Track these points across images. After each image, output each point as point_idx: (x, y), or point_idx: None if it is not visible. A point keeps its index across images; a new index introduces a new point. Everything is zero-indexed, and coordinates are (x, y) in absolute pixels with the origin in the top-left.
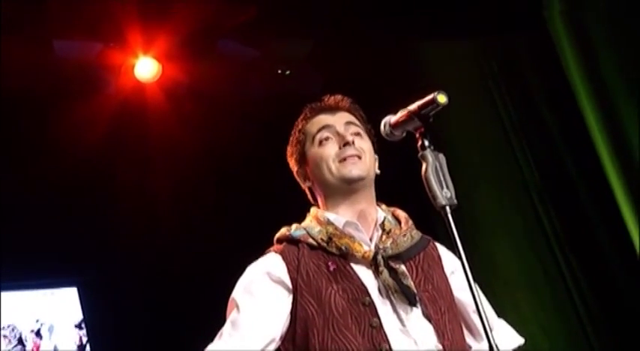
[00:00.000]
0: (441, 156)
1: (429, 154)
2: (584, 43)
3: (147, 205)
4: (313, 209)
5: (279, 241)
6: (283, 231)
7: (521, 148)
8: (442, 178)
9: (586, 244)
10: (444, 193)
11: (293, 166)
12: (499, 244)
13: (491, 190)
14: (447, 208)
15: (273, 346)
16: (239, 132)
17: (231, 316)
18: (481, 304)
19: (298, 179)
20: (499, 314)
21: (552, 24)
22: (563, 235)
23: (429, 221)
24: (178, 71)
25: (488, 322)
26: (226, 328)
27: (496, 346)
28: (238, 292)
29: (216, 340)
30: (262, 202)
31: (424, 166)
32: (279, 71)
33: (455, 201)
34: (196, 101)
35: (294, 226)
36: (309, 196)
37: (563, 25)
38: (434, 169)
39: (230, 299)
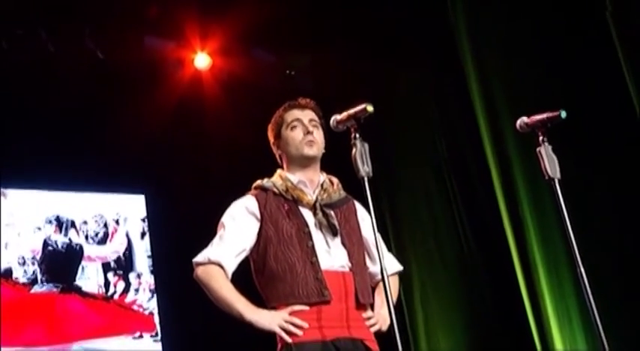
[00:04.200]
0: (366, 144)
1: (358, 142)
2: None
3: (200, 146)
4: (279, 170)
5: (255, 188)
6: (258, 182)
7: (439, 140)
8: (364, 159)
9: (472, 204)
10: (364, 168)
11: (271, 139)
12: (418, 201)
13: (416, 167)
14: (365, 178)
15: (245, 254)
16: (257, 110)
17: (219, 232)
18: (380, 242)
19: (273, 148)
20: (416, 244)
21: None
22: (459, 197)
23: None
24: (226, 64)
25: (380, 253)
26: (215, 240)
27: (384, 266)
28: (225, 218)
29: (208, 247)
30: None
31: (354, 150)
32: (287, 72)
33: (371, 174)
34: (238, 87)
35: (265, 179)
36: (278, 160)
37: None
38: (360, 152)
39: (220, 222)
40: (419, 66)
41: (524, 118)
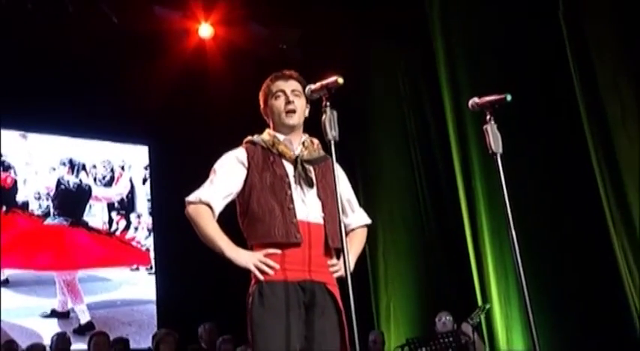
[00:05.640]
0: (335, 112)
1: (328, 109)
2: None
3: (201, 106)
4: (267, 129)
5: (246, 142)
6: (249, 137)
7: (408, 113)
8: (332, 124)
9: (432, 172)
10: (332, 133)
11: (261, 105)
12: (385, 166)
13: (385, 135)
14: (332, 140)
15: (232, 197)
16: (253, 75)
17: (211, 177)
18: (352, 197)
19: (262, 113)
20: (382, 205)
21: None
22: (421, 165)
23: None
24: (227, 34)
25: (339, 209)
26: (206, 183)
27: (343, 222)
28: (217, 165)
29: (200, 189)
30: None
31: (324, 116)
32: (280, 45)
33: (337, 138)
34: (237, 55)
35: (255, 135)
36: (268, 123)
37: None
38: (329, 119)
39: (212, 168)
40: (394, 44)
41: (476, 99)
